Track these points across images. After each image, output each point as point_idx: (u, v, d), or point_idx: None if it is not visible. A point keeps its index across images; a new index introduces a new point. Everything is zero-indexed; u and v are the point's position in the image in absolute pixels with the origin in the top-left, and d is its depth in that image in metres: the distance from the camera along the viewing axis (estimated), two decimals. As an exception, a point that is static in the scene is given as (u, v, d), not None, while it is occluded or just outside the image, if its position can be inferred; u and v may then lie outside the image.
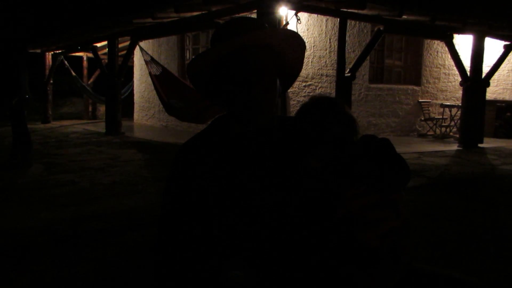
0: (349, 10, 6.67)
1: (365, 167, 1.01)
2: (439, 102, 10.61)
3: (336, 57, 7.17)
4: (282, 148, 1.15)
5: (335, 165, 1.04)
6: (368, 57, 8.20)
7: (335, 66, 7.23)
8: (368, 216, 0.96)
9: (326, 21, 8.73)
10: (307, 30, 8.53)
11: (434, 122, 9.99)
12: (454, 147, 8.30)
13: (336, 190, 1.02)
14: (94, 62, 11.60)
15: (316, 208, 1.06)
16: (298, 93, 8.58)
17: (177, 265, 1.11)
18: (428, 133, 10.19)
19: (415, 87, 10.45)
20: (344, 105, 1.12)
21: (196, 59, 1.13)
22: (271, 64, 1.12)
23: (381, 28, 7.11)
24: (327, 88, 8.89)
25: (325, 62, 8.91)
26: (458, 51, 8.35)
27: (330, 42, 8.86)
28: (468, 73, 8.36)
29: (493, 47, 9.15)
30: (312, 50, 8.67)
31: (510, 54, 8.83)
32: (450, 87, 10.96)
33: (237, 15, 6.81)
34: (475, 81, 8.30)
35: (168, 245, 1.13)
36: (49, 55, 12.81)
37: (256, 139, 1.15)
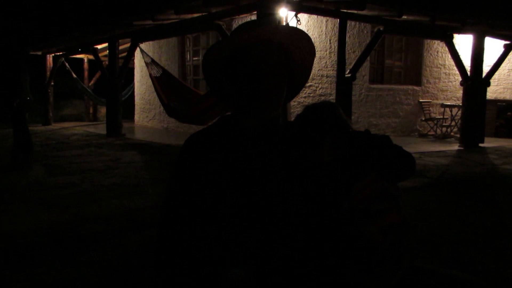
0: (349, 11, 6.67)
1: (370, 159, 1.03)
2: (440, 102, 10.60)
3: (336, 58, 7.17)
4: (286, 144, 1.16)
5: (343, 158, 1.06)
6: (368, 58, 8.19)
7: (335, 66, 7.23)
8: (371, 207, 0.97)
9: (326, 22, 8.74)
10: (307, 31, 8.54)
11: (435, 122, 9.99)
12: (455, 147, 8.29)
13: (343, 183, 1.03)
14: (95, 64, 11.61)
15: (320, 203, 1.07)
16: (298, 94, 8.58)
17: (177, 259, 1.11)
18: (429, 133, 10.19)
19: (416, 87, 10.45)
20: (339, 107, 1.18)
21: (212, 50, 1.16)
22: (281, 60, 1.16)
23: (381, 29, 7.11)
24: (328, 88, 8.90)
25: (325, 63, 8.92)
26: (458, 51, 8.35)
27: (330, 43, 8.86)
28: (469, 73, 8.36)
29: (493, 47, 9.15)
30: (312, 51, 8.66)
31: (510, 53, 8.82)
32: (451, 87, 10.96)
33: (237, 16, 6.83)
34: (475, 80, 8.30)
35: (170, 238, 1.13)
36: (50, 57, 12.83)
37: (261, 134, 1.16)
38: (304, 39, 1.18)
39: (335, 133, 1.11)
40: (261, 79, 1.11)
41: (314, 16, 8.34)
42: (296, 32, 1.17)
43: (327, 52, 8.91)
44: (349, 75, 6.89)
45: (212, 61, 1.17)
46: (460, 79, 8.58)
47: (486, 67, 8.52)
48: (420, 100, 10.35)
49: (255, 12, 6.28)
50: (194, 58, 10.23)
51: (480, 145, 8.35)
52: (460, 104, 9.03)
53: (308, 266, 1.06)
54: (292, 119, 1.24)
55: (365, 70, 9.33)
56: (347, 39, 7.10)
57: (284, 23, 6.12)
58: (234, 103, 1.18)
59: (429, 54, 10.57)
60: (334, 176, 1.07)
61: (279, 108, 1.19)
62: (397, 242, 1.05)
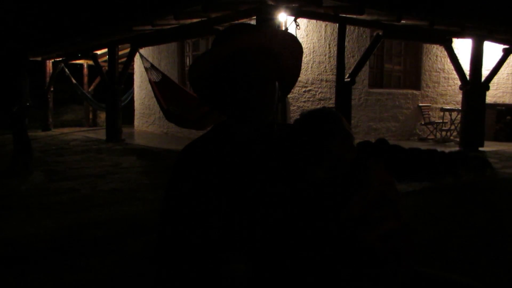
0: (348, 16, 6.69)
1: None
2: (439, 106, 10.62)
3: (335, 62, 7.19)
4: (282, 153, 1.15)
5: (340, 176, 1.06)
6: (367, 62, 8.21)
7: (335, 71, 7.24)
8: (370, 215, 0.97)
9: (325, 26, 8.76)
10: (307, 35, 8.56)
11: (435, 126, 10.00)
12: (455, 151, 8.28)
13: (341, 197, 1.03)
14: (95, 69, 11.62)
15: (319, 212, 1.07)
16: (298, 99, 8.59)
17: (179, 262, 1.11)
18: (429, 137, 10.19)
19: (415, 91, 10.47)
20: (342, 117, 1.14)
21: (197, 62, 1.15)
22: (270, 65, 1.14)
23: (380, 33, 7.13)
24: (327, 93, 8.91)
25: (325, 67, 8.93)
26: (457, 55, 8.37)
27: (329, 48, 8.88)
28: (468, 77, 8.37)
29: (492, 51, 9.17)
30: (311, 56, 8.69)
31: (509, 57, 8.84)
32: (450, 91, 10.97)
33: (236, 21, 6.83)
34: (474, 84, 8.31)
35: (170, 243, 1.13)
36: (49, 63, 12.84)
37: (256, 142, 1.16)
38: (291, 40, 1.17)
39: (336, 147, 1.08)
40: (252, 87, 1.10)
41: (313, 21, 8.36)
42: (284, 35, 1.17)
43: (327, 56, 8.93)
44: (349, 79, 6.90)
45: (200, 71, 1.16)
46: (459, 83, 8.59)
47: (485, 71, 8.53)
48: (420, 104, 10.36)
49: (254, 17, 6.30)
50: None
51: (480, 149, 8.35)
52: (460, 108, 9.04)
53: (307, 271, 1.06)
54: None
55: (364, 74, 9.34)
56: (346, 43, 7.12)
57: (283, 28, 6.14)
58: (226, 110, 1.18)
59: (428, 59, 10.59)
60: (332, 192, 1.07)
61: (271, 114, 1.18)
62: (397, 247, 1.05)
